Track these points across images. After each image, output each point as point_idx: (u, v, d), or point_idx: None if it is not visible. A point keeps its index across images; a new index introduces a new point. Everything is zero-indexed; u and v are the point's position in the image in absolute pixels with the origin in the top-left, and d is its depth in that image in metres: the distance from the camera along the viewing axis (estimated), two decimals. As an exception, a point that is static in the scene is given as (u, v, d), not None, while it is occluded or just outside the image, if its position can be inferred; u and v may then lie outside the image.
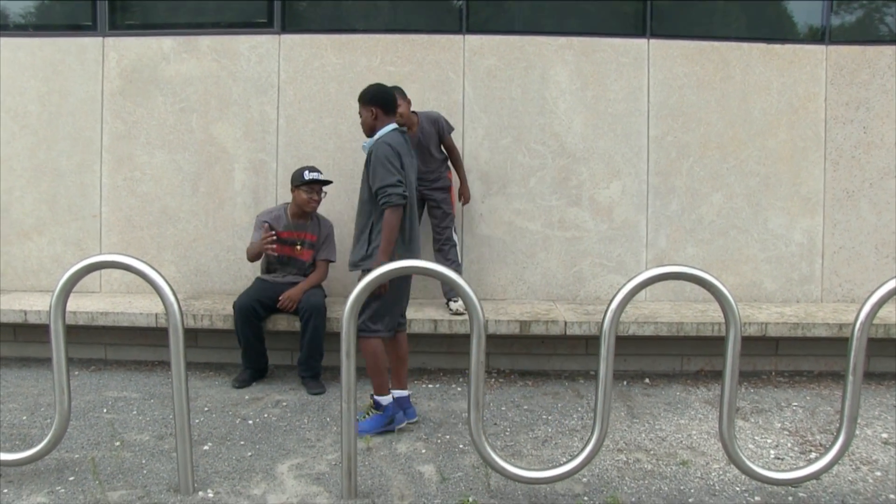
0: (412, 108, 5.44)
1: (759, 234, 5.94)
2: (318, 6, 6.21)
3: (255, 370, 5.25)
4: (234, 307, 5.12)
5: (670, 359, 5.55)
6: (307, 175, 5.15)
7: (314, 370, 5.13)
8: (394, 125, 4.21)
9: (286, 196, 5.97)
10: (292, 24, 6.03)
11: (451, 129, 5.50)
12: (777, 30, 6.06)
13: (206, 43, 5.99)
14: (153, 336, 5.58)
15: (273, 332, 5.29)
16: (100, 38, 6.07)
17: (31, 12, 6.31)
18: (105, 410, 4.60)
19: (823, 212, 5.93)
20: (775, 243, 5.95)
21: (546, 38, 5.91)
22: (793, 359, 5.56)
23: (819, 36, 5.99)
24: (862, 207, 5.92)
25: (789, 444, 4.15)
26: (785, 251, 5.95)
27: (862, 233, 5.93)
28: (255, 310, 5.08)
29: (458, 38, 5.91)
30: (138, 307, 5.44)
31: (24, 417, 4.46)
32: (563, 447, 4.12)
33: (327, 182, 5.29)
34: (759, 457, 3.98)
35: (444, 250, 5.50)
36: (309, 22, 6.11)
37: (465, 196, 5.68)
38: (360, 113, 4.30)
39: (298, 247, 5.30)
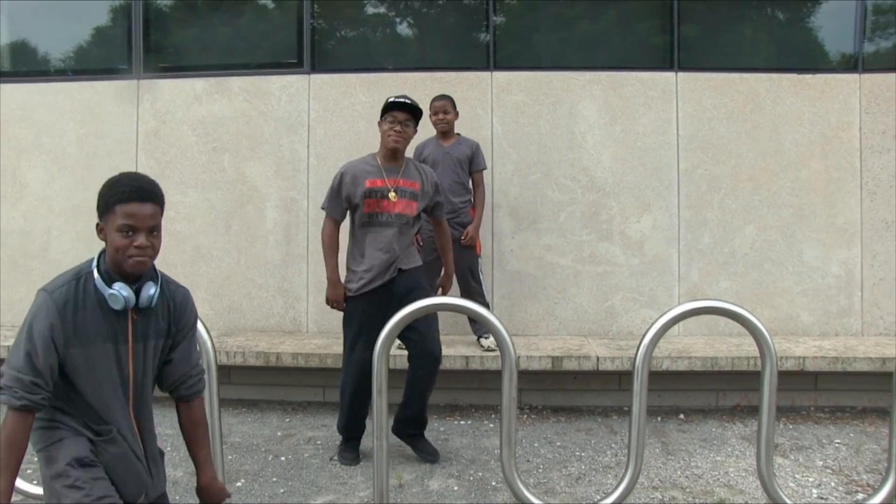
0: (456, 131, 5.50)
1: (794, 267, 5.85)
2: (346, 46, 6.31)
3: (358, 440, 4.52)
4: (349, 363, 4.37)
5: (705, 394, 5.46)
6: (391, 99, 4.27)
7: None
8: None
9: (318, 234, 6.00)
10: (322, 63, 6.12)
11: (484, 165, 5.48)
12: (807, 59, 6.02)
13: (238, 84, 6.10)
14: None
15: (304, 369, 5.29)
16: (135, 81, 6.21)
17: (71, 57, 6.48)
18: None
19: (861, 243, 5.83)
20: (811, 275, 5.85)
21: (573, 73, 5.93)
22: (833, 394, 5.43)
23: (852, 64, 5.94)
24: (901, 238, 5.82)
25: (833, 484, 4.04)
26: (822, 283, 5.85)
27: (902, 264, 5.82)
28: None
29: (485, 74, 5.96)
30: (171, 345, 5.48)
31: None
32: (597, 484, 4.05)
33: (415, 109, 4.27)
34: (800, 496, 3.88)
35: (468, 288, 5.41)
36: (338, 61, 6.20)
37: (469, 234, 5.29)
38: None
39: (392, 195, 4.24)
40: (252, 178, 6.08)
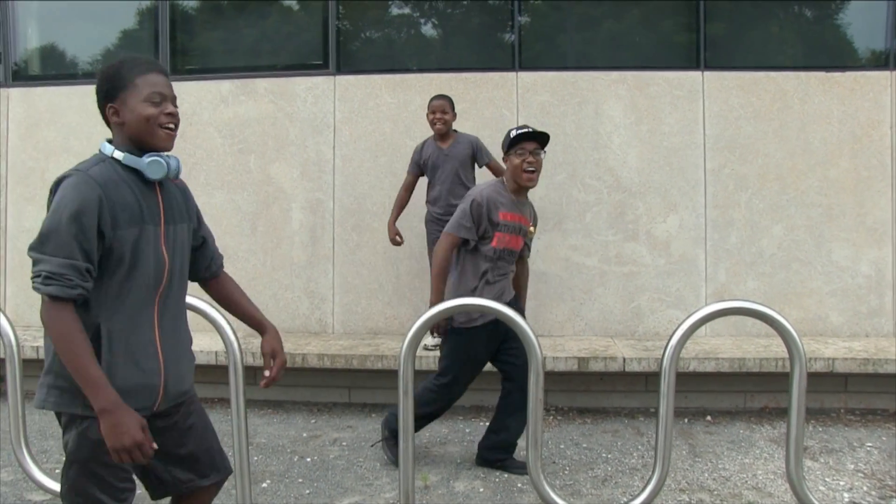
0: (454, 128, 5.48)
1: (823, 267, 5.79)
2: (371, 47, 6.33)
3: None
4: (447, 392, 4.18)
5: (733, 395, 5.41)
6: (514, 133, 3.97)
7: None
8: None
9: (344, 235, 6.04)
10: (347, 64, 6.14)
11: (490, 157, 5.46)
12: (836, 57, 5.96)
13: (264, 85, 6.13)
14: (213, 374, 5.64)
15: (330, 370, 5.31)
16: (162, 84, 6.25)
17: (98, 60, 6.55)
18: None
19: (892, 242, 5.75)
20: (840, 275, 5.78)
21: (599, 73, 5.91)
22: (864, 396, 5.35)
23: (883, 61, 5.87)
24: (932, 237, 5.74)
25: (865, 488, 3.99)
26: (851, 283, 5.78)
27: (933, 264, 5.74)
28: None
29: (510, 75, 5.95)
30: (198, 345, 5.48)
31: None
32: (624, 486, 4.03)
33: (543, 137, 3.99)
34: (831, 500, 3.84)
35: None
36: (363, 62, 6.22)
37: None
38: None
39: (532, 229, 4.14)
40: (278, 180, 6.11)
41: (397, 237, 5.56)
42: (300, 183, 6.10)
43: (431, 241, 5.32)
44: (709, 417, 5.21)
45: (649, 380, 5.40)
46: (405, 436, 3.26)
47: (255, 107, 6.12)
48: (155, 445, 2.07)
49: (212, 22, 6.51)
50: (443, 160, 5.36)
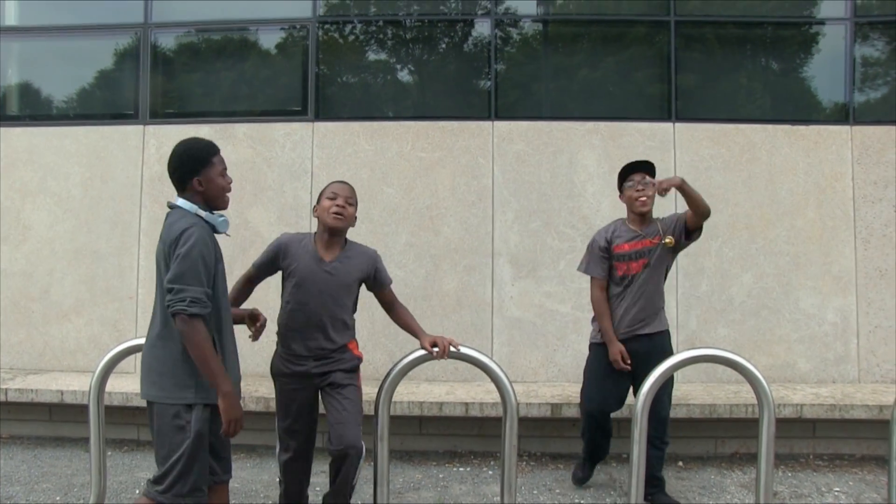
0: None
1: (791, 314, 5.91)
2: (350, 94, 6.43)
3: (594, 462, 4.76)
4: (584, 413, 4.51)
5: (704, 441, 5.47)
6: (624, 165, 4.40)
7: None
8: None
9: (318, 278, 6.05)
10: (326, 111, 6.23)
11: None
12: (801, 110, 6.15)
13: (243, 130, 6.20)
14: (186, 417, 5.61)
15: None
16: (141, 126, 6.31)
17: (77, 102, 6.60)
18: (137, 491, 4.61)
19: (856, 291, 5.90)
20: (808, 323, 5.90)
21: (573, 124, 6.04)
22: (832, 441, 5.44)
23: (843, 115, 6.07)
24: None
25: (831, 532, 4.04)
26: (818, 331, 5.90)
27: (897, 312, 5.87)
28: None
29: (486, 124, 6.07)
30: (172, 389, 5.49)
31: (58, 497, 4.48)
32: (598, 533, 4.04)
33: (651, 168, 4.35)
34: (799, 545, 3.88)
35: None
36: (341, 109, 6.32)
37: None
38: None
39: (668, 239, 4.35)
40: (255, 224, 6.14)
41: None
42: (277, 227, 6.13)
43: None
44: (680, 463, 5.25)
45: (622, 426, 5.43)
46: (381, 480, 3.28)
47: (234, 151, 6.17)
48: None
49: (191, 65, 6.59)
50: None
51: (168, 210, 3.04)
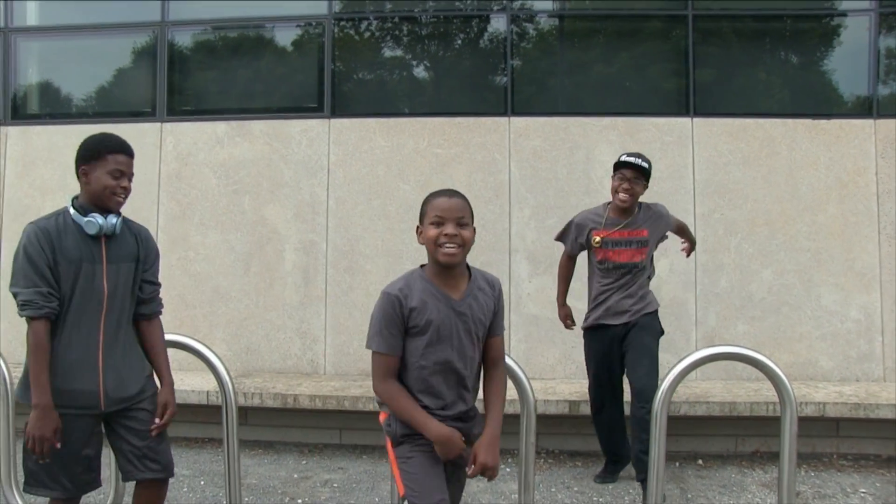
0: None
1: (813, 311, 5.83)
2: (366, 90, 6.42)
3: (614, 463, 4.75)
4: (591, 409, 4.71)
5: (724, 439, 5.41)
6: (622, 158, 4.40)
7: None
8: None
9: (337, 277, 6.07)
10: (341, 108, 6.23)
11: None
12: (822, 104, 6.08)
13: (259, 127, 6.21)
14: (204, 413, 5.62)
15: (322, 411, 5.30)
16: (158, 124, 6.33)
17: (96, 100, 6.64)
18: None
19: (881, 287, 5.81)
20: (830, 320, 5.83)
21: (590, 119, 6.00)
22: (856, 441, 5.35)
23: (866, 108, 5.99)
24: (921, 283, 5.80)
25: (855, 533, 3.98)
26: (841, 328, 5.82)
27: (922, 309, 5.79)
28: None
29: (503, 120, 6.04)
30: (189, 384, 5.51)
31: (76, 496, 4.50)
32: (616, 532, 4.01)
33: (644, 169, 4.37)
34: (821, 545, 3.82)
35: None
36: (357, 106, 6.31)
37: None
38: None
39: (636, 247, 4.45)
40: (272, 221, 6.15)
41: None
42: (294, 224, 6.14)
43: None
44: (700, 461, 5.20)
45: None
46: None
47: (251, 148, 6.19)
48: (58, 445, 2.67)
49: (208, 63, 6.61)
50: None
51: None
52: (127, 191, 2.82)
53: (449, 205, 2.51)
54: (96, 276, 2.77)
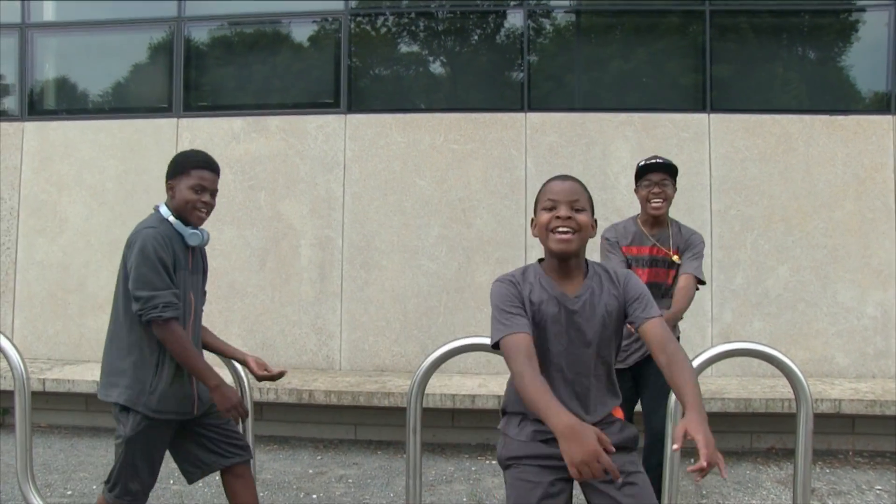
0: None
1: (829, 308, 5.81)
2: (382, 86, 6.43)
3: None
4: None
5: (739, 436, 5.40)
6: (643, 163, 3.91)
7: None
8: None
9: (352, 272, 6.09)
10: (358, 103, 6.24)
11: None
12: (840, 100, 6.04)
13: (275, 123, 6.22)
14: (219, 409, 5.66)
15: (337, 406, 5.33)
16: (174, 119, 6.36)
17: (112, 96, 6.67)
18: (171, 482, 4.65)
19: (896, 285, 5.78)
20: (846, 317, 5.80)
21: (606, 115, 5.98)
22: (872, 438, 5.34)
23: (884, 104, 5.95)
24: (937, 280, 5.76)
25: (871, 530, 3.97)
26: (857, 325, 5.79)
27: (938, 306, 5.75)
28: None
29: (519, 115, 6.03)
30: (206, 380, 5.55)
31: (94, 487, 4.54)
32: (632, 528, 4.00)
33: (672, 168, 3.87)
34: (838, 542, 3.81)
35: None
36: (374, 101, 6.32)
37: None
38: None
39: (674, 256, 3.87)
40: (288, 216, 6.17)
41: None
42: (309, 220, 6.16)
43: None
44: (715, 458, 5.18)
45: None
46: (413, 472, 3.27)
47: (267, 144, 6.20)
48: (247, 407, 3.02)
49: (225, 59, 6.62)
50: None
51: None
52: (209, 206, 2.93)
53: (562, 187, 2.31)
54: (187, 285, 2.91)
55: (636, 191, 3.93)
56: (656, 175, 3.81)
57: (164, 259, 2.75)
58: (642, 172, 3.86)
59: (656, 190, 3.79)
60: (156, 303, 2.71)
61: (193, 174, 2.88)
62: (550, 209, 2.30)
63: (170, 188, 2.92)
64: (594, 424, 2.15)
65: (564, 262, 2.33)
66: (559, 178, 2.37)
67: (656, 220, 3.88)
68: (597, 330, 2.32)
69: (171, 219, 2.87)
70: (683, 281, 3.79)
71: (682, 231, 3.95)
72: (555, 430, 1.99)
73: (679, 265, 3.85)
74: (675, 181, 3.89)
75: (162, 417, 2.82)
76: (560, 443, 1.97)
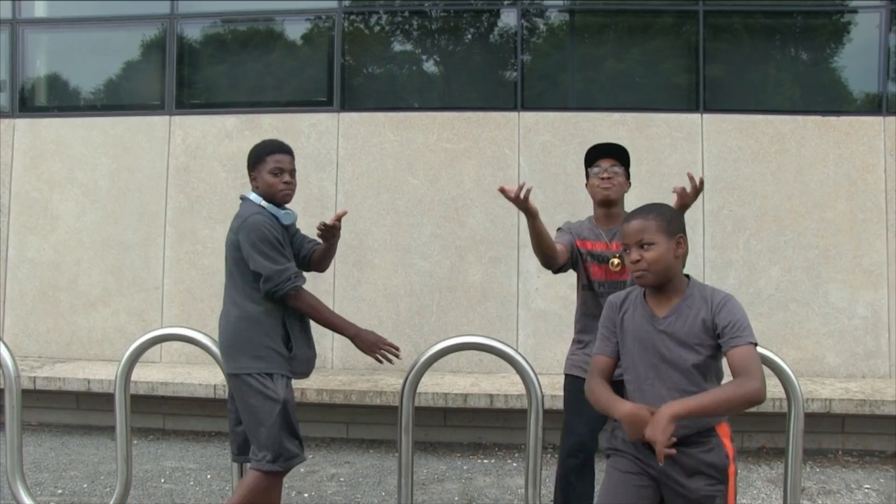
0: None
1: (820, 308, 5.83)
2: (375, 85, 6.42)
3: None
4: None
5: (731, 436, 5.40)
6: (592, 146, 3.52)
7: None
8: None
9: (345, 271, 6.08)
10: (351, 102, 6.23)
11: None
12: (832, 101, 6.06)
13: (268, 121, 6.21)
14: (211, 407, 5.64)
15: (329, 405, 5.32)
16: (167, 117, 6.34)
17: (105, 93, 6.65)
18: (163, 480, 4.64)
19: (888, 284, 5.80)
20: (837, 317, 5.82)
21: (600, 114, 5.99)
22: (862, 437, 5.36)
23: (876, 106, 5.97)
24: (928, 281, 5.79)
25: (861, 529, 3.98)
26: (848, 325, 5.81)
27: (929, 307, 5.78)
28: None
29: (512, 114, 6.03)
30: (197, 378, 5.53)
31: (85, 485, 4.53)
32: (623, 527, 4.01)
33: (622, 152, 3.47)
34: (828, 541, 3.83)
35: None
36: (367, 100, 6.31)
37: None
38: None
39: (615, 260, 3.42)
40: (280, 214, 6.15)
41: None
42: (302, 218, 6.05)
43: None
44: (707, 457, 5.19)
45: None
46: (405, 472, 3.27)
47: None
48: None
49: (217, 56, 6.61)
50: None
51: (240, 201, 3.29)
52: (291, 185, 3.18)
53: (626, 230, 2.45)
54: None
55: (586, 185, 3.52)
56: (607, 161, 3.42)
57: (277, 237, 3.03)
58: (591, 159, 3.47)
59: (605, 175, 3.38)
60: (286, 276, 3.00)
61: (269, 160, 3.14)
62: (626, 249, 2.47)
63: (253, 179, 3.19)
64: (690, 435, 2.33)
65: (656, 290, 2.48)
66: (627, 219, 2.48)
67: (610, 214, 3.44)
68: (681, 352, 2.39)
69: (264, 203, 3.12)
70: None
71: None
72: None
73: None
74: (629, 172, 3.48)
75: (296, 378, 3.19)
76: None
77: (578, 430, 3.34)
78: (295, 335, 3.15)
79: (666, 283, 2.44)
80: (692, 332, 2.37)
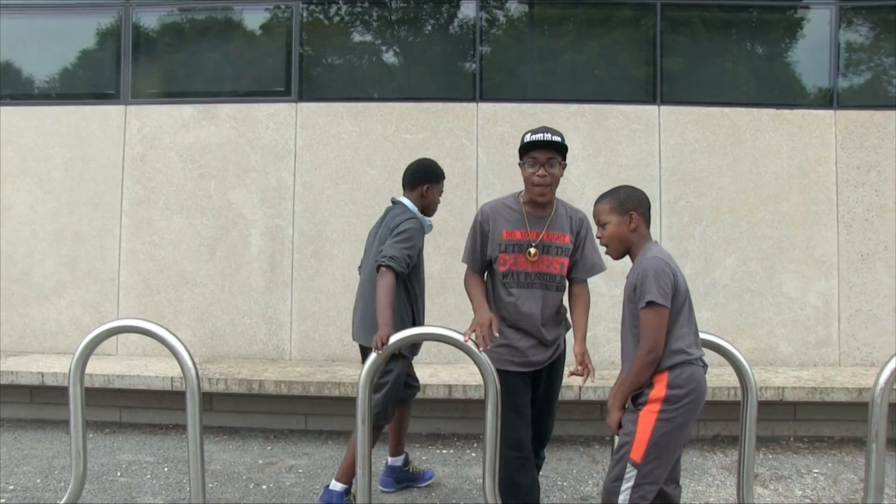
0: None
1: (774, 298, 5.94)
2: (334, 75, 6.38)
3: None
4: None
5: (687, 424, 5.49)
6: (529, 137, 3.33)
7: None
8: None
9: (303, 262, 6.05)
10: (309, 92, 6.19)
11: None
12: (786, 94, 6.15)
13: (225, 111, 6.15)
14: (168, 399, 5.59)
15: (287, 397, 5.30)
16: (122, 106, 6.24)
17: (58, 81, 6.51)
18: (119, 474, 4.59)
19: (838, 274, 5.93)
20: (790, 306, 5.93)
21: (558, 106, 6.02)
22: (812, 424, 5.48)
23: (828, 101, 6.08)
24: (878, 270, 5.92)
25: (810, 513, 4.08)
26: (800, 314, 5.93)
27: (879, 296, 5.91)
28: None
29: (471, 105, 6.04)
30: (154, 370, 5.47)
31: (38, 480, 4.46)
32: (579, 514, 4.06)
33: (561, 146, 3.31)
34: (778, 525, 3.91)
35: None
36: (325, 90, 6.27)
37: None
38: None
39: (533, 250, 3.35)
40: (238, 205, 6.10)
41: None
42: (260, 209, 6.10)
43: None
44: (662, 445, 5.26)
45: (604, 408, 5.44)
46: (363, 462, 3.27)
47: (217, 132, 6.12)
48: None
49: (174, 45, 6.51)
50: None
51: (391, 203, 4.02)
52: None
53: (593, 214, 3.09)
54: (423, 261, 3.99)
55: (520, 165, 3.38)
56: (543, 154, 3.27)
57: (416, 243, 3.73)
58: (527, 148, 3.31)
59: (542, 172, 3.26)
60: (388, 254, 3.56)
61: (442, 183, 4.02)
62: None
63: (426, 189, 3.93)
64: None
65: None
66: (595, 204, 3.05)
67: (541, 205, 3.39)
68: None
69: (418, 212, 3.87)
70: (583, 290, 3.60)
71: (568, 210, 3.48)
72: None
73: (573, 253, 3.47)
74: (565, 158, 3.37)
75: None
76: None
77: (513, 425, 3.39)
78: (410, 314, 3.96)
79: (628, 252, 3.01)
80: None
